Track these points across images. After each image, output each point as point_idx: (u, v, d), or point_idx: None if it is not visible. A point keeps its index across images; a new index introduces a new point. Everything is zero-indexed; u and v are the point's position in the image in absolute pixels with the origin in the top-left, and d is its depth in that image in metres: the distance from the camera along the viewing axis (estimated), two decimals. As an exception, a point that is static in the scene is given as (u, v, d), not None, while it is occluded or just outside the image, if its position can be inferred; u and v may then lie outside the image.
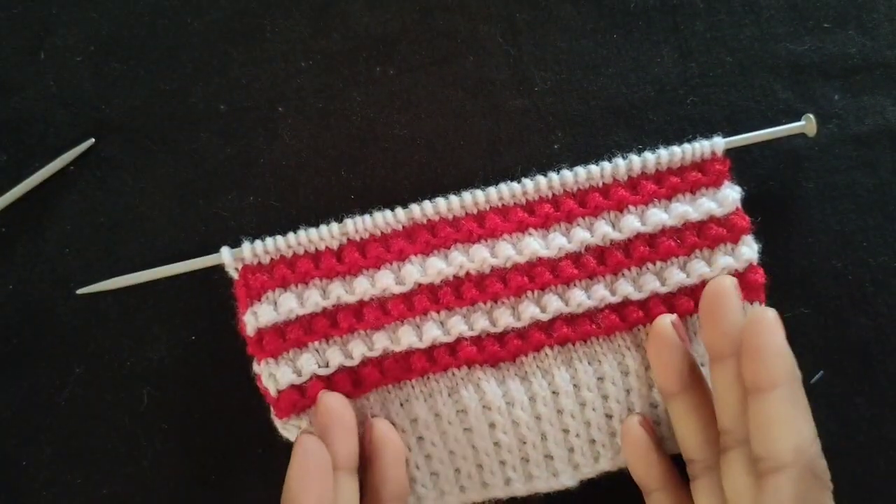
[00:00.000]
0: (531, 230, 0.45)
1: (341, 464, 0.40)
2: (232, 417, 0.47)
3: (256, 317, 0.43)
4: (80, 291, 0.45)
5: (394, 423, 0.44)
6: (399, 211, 0.44)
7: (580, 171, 0.45)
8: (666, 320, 0.42)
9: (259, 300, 0.44)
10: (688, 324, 0.44)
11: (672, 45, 0.49)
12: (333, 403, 0.42)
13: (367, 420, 0.43)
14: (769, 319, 0.37)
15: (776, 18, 0.49)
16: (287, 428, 0.44)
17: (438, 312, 0.44)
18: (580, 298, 0.44)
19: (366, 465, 0.42)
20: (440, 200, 0.44)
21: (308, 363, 0.43)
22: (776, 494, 0.36)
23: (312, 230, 0.44)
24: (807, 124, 0.45)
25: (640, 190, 0.44)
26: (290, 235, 0.44)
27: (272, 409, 0.44)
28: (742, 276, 0.43)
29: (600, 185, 0.45)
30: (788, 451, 0.36)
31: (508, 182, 0.45)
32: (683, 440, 0.42)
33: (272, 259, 0.44)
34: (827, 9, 0.49)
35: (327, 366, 0.44)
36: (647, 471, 0.43)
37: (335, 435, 0.41)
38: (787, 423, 0.36)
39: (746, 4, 0.49)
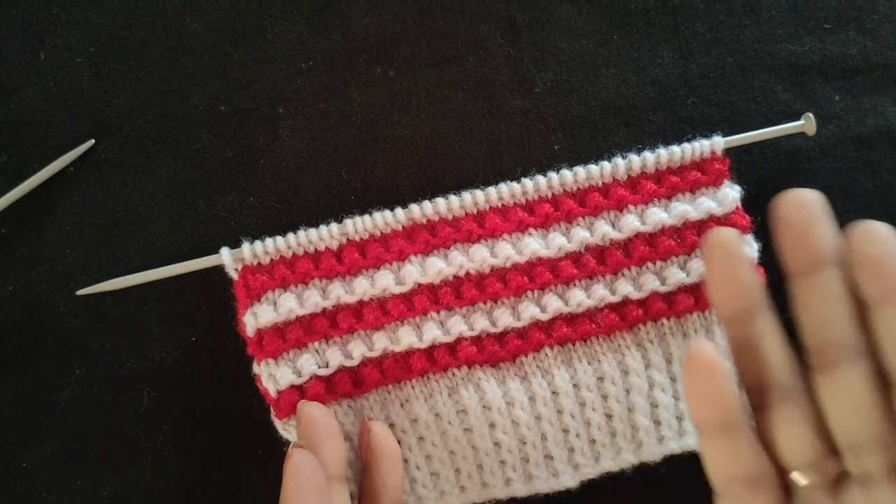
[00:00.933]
0: (531, 230, 0.45)
1: (331, 473, 0.40)
2: (232, 418, 0.47)
3: (256, 317, 0.43)
4: (80, 292, 0.45)
5: (393, 424, 0.45)
6: (399, 211, 0.44)
7: (580, 170, 0.45)
8: (727, 232, 0.36)
9: (259, 301, 0.44)
10: (688, 322, 0.44)
11: (672, 46, 0.49)
12: (315, 413, 0.41)
13: (365, 424, 0.43)
14: (881, 230, 0.34)
15: (776, 19, 0.49)
16: (287, 428, 0.44)
17: (438, 312, 0.44)
18: (580, 298, 0.44)
19: (363, 470, 0.42)
20: (440, 200, 0.44)
21: (308, 364, 0.44)
22: None
23: (312, 230, 0.44)
24: (806, 123, 0.45)
25: (640, 189, 0.45)
26: (290, 236, 0.44)
27: (272, 409, 0.44)
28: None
29: (600, 184, 0.45)
30: None
31: (508, 182, 0.45)
32: (769, 363, 0.35)
33: (272, 259, 0.44)
34: (827, 10, 0.49)
35: (327, 366, 0.44)
36: (713, 404, 0.35)
37: (322, 444, 0.40)
38: None
39: (747, 5, 0.49)
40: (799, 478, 0.34)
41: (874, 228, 0.34)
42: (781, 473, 0.35)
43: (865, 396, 0.33)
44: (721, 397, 0.34)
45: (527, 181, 0.45)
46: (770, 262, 0.44)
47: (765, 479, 0.35)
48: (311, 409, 0.41)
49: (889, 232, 0.34)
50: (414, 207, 0.44)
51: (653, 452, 0.44)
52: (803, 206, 0.35)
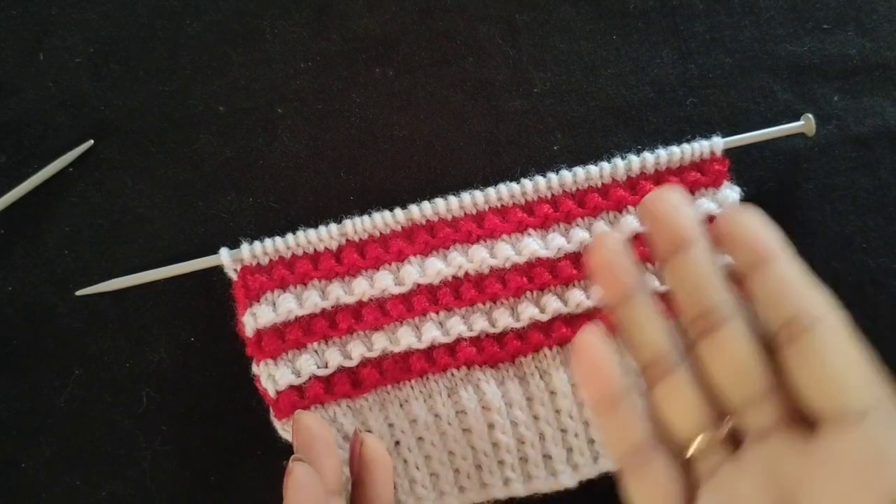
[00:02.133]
0: (530, 231, 0.45)
1: (329, 488, 0.39)
2: (232, 418, 0.47)
3: (255, 318, 0.43)
4: (79, 293, 0.45)
5: (392, 424, 0.44)
6: (398, 212, 0.44)
7: (579, 171, 0.45)
8: (613, 233, 0.40)
9: (258, 301, 0.44)
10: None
11: (671, 46, 0.49)
12: (312, 423, 0.41)
13: (357, 435, 0.42)
14: (738, 210, 0.36)
15: (776, 19, 0.49)
16: (287, 429, 0.44)
17: (437, 313, 0.44)
18: (579, 299, 0.44)
19: (354, 482, 0.42)
20: (439, 201, 0.44)
21: (307, 364, 0.43)
22: (818, 341, 0.32)
23: (311, 231, 0.44)
24: (806, 124, 0.45)
25: (640, 190, 0.45)
26: (289, 236, 0.44)
27: (271, 410, 0.44)
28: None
29: (599, 185, 0.45)
30: (820, 304, 0.33)
31: (507, 182, 0.45)
32: (649, 339, 0.37)
33: (271, 260, 0.44)
34: (826, 10, 0.49)
35: (326, 366, 0.44)
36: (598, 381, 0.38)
37: (320, 458, 0.40)
38: (807, 283, 0.34)
39: (746, 5, 0.49)
40: (690, 447, 0.35)
41: (737, 210, 0.36)
42: (680, 445, 0.36)
43: (748, 352, 0.34)
44: (603, 376, 0.36)
45: (526, 182, 0.45)
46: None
47: (658, 450, 0.36)
48: (308, 421, 0.41)
49: (748, 212, 0.36)
50: (413, 208, 0.44)
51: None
52: (664, 199, 0.36)
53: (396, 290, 0.44)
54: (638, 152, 0.45)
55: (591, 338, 0.37)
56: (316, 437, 0.40)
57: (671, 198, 0.36)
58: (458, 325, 0.44)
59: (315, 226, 0.45)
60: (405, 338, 0.44)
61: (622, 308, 0.37)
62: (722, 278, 0.35)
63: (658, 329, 0.36)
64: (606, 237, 0.37)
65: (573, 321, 0.44)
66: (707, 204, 0.44)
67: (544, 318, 0.44)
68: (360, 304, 0.44)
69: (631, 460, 0.36)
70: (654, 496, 0.36)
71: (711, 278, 0.35)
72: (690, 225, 0.36)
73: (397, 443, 0.45)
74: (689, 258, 0.36)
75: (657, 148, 0.45)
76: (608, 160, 0.45)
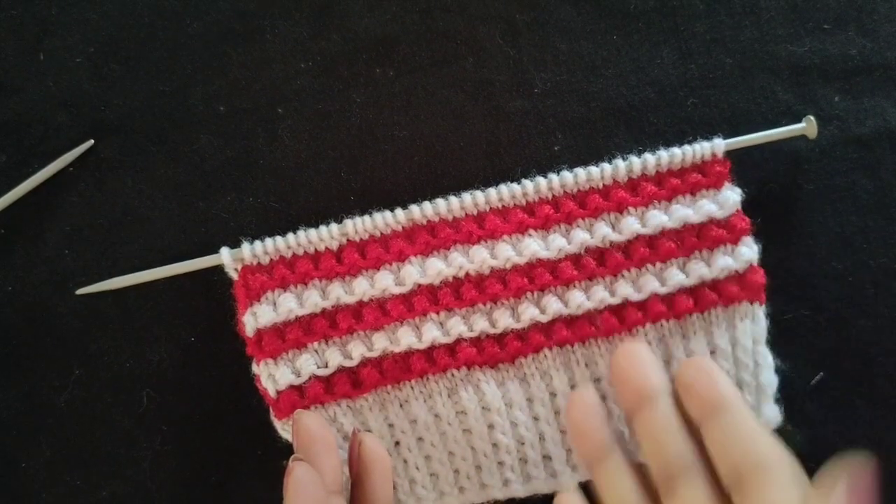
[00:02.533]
0: (531, 231, 0.44)
1: (330, 488, 0.39)
2: (232, 418, 0.47)
3: (256, 317, 0.43)
4: (79, 292, 0.45)
5: (392, 424, 0.44)
6: (398, 212, 0.44)
7: (580, 172, 0.45)
8: (588, 392, 0.42)
9: (258, 301, 0.44)
10: (687, 323, 0.44)
11: (672, 47, 0.49)
12: (312, 425, 0.41)
13: (356, 435, 0.42)
14: (699, 362, 0.41)
15: (776, 20, 0.49)
16: (287, 429, 0.44)
17: (438, 313, 0.44)
18: (579, 300, 0.44)
19: (353, 482, 0.42)
20: (440, 201, 0.44)
21: (307, 364, 0.43)
22: (773, 488, 0.35)
23: (312, 231, 0.44)
24: (807, 126, 0.45)
25: (641, 191, 0.44)
26: (290, 236, 0.44)
27: (271, 409, 0.44)
28: (742, 277, 0.43)
29: (600, 186, 0.45)
30: (772, 451, 0.36)
31: (508, 183, 0.45)
32: (627, 495, 0.40)
33: (272, 260, 0.44)
34: (827, 10, 0.49)
35: (326, 366, 0.44)
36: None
37: (320, 458, 0.40)
38: (760, 430, 0.37)
39: (746, 6, 0.49)
40: None
41: (695, 360, 0.41)
42: None
43: (708, 499, 0.37)
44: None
45: (527, 182, 0.45)
46: (770, 264, 0.44)
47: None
48: (308, 421, 0.41)
49: (705, 363, 0.41)
50: (414, 208, 0.44)
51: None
52: (628, 356, 0.41)
53: (397, 291, 0.44)
54: (639, 153, 0.45)
55: (585, 396, 0.41)
56: (316, 436, 0.40)
57: (637, 356, 0.41)
58: (458, 326, 0.44)
59: (316, 226, 0.44)
60: (405, 338, 0.44)
61: (596, 467, 0.41)
62: (683, 431, 0.38)
63: (629, 487, 0.39)
64: (582, 396, 0.41)
65: (574, 322, 0.44)
66: (708, 205, 0.44)
67: (544, 318, 0.44)
68: (361, 303, 0.44)
69: None
70: None
71: (672, 432, 0.39)
72: (653, 382, 0.40)
73: (397, 443, 0.45)
74: (651, 414, 0.39)
75: (658, 149, 0.45)
76: (609, 161, 0.45)
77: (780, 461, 0.36)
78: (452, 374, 0.44)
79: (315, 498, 0.38)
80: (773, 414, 0.44)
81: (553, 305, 0.44)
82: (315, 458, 0.40)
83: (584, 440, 0.41)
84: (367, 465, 0.41)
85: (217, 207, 0.48)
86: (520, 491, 0.44)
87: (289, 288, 0.44)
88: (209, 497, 0.47)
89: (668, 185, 0.44)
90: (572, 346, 0.44)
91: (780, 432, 0.43)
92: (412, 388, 0.44)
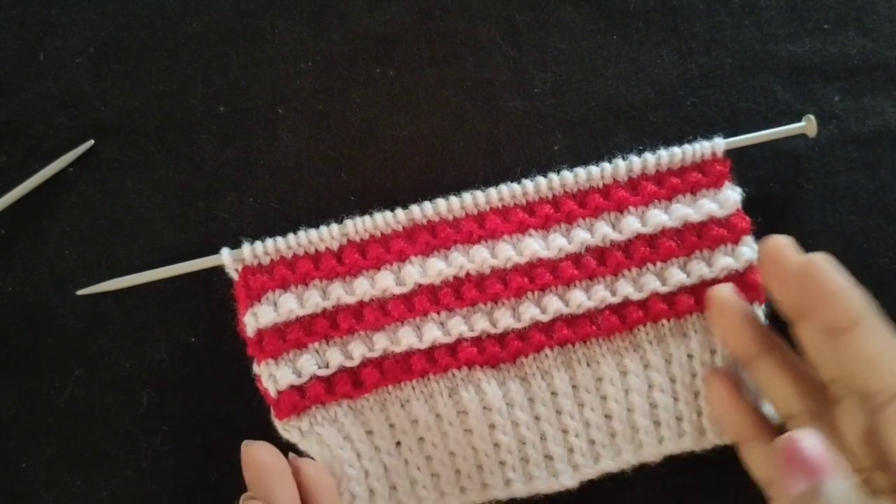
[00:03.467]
0: (531, 231, 0.45)
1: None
2: (232, 418, 0.47)
3: (256, 317, 0.43)
4: (79, 292, 0.45)
5: (393, 425, 0.44)
6: (399, 212, 0.44)
7: (580, 171, 0.45)
8: (725, 288, 0.42)
9: (259, 301, 0.44)
10: (687, 322, 0.44)
11: (672, 47, 0.49)
12: (262, 454, 0.40)
13: (293, 463, 0.41)
14: (820, 264, 0.37)
15: (776, 20, 0.49)
16: (287, 429, 0.44)
17: (438, 313, 0.44)
18: (580, 299, 0.44)
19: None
20: (440, 201, 0.44)
21: (308, 364, 0.43)
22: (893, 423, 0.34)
23: (312, 231, 0.44)
24: (807, 125, 0.45)
25: (641, 191, 0.44)
26: (290, 236, 0.44)
27: (272, 410, 0.44)
28: (742, 277, 0.43)
29: (600, 185, 0.45)
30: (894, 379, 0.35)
31: (508, 183, 0.45)
32: (780, 398, 0.40)
33: (272, 260, 0.44)
34: (827, 10, 0.49)
35: (327, 366, 0.44)
36: (738, 419, 0.42)
37: (274, 490, 0.39)
38: (882, 354, 0.35)
39: (746, 5, 0.49)
40: None
41: (811, 262, 0.38)
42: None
43: (863, 425, 0.36)
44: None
45: (527, 182, 0.45)
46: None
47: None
48: (257, 452, 0.40)
49: (825, 264, 0.37)
50: (414, 208, 0.44)
51: (652, 453, 0.44)
52: (777, 253, 0.39)
53: (397, 290, 0.44)
54: (639, 153, 0.45)
55: (728, 294, 0.41)
56: (266, 468, 0.40)
57: (790, 255, 0.38)
58: (459, 326, 0.44)
59: (316, 226, 0.44)
60: (406, 338, 0.44)
61: (754, 364, 0.41)
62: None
63: (790, 382, 0.40)
64: (725, 296, 0.41)
65: (574, 322, 0.44)
66: (708, 204, 0.44)
67: (545, 318, 0.44)
68: (362, 304, 0.44)
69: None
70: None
71: (828, 350, 0.37)
72: (858, 302, 0.37)
73: (398, 443, 0.45)
74: (808, 326, 0.38)
75: (658, 148, 0.45)
76: (609, 160, 0.45)
77: None
78: (453, 374, 0.44)
79: None
80: (771, 413, 0.44)
81: (553, 305, 0.44)
82: (269, 491, 0.39)
83: (736, 340, 0.41)
84: (311, 492, 0.41)
85: (217, 208, 0.48)
86: (521, 491, 0.44)
87: (289, 288, 0.44)
88: (208, 497, 0.47)
89: (669, 185, 0.44)
90: (573, 345, 0.44)
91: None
92: (413, 388, 0.44)
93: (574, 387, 0.44)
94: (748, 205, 0.45)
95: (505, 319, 0.44)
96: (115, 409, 0.47)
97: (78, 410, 0.47)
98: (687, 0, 0.49)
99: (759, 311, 0.44)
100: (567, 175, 0.45)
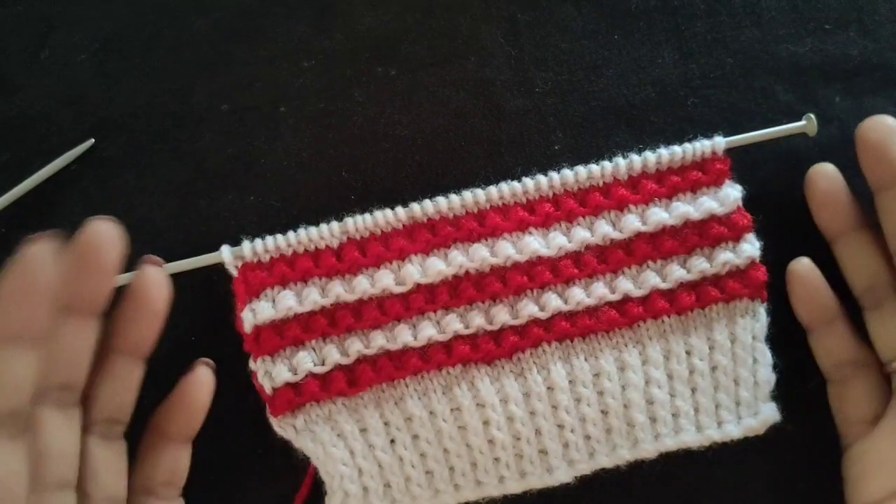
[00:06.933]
0: (531, 229, 0.44)
1: (86, 308, 0.36)
2: (231, 418, 0.46)
3: (254, 314, 0.43)
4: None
5: (388, 422, 0.44)
6: (399, 209, 0.44)
7: (581, 170, 0.45)
8: (826, 166, 0.44)
9: (258, 297, 0.44)
10: (688, 319, 0.44)
11: (673, 46, 0.49)
12: (103, 231, 0.37)
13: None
14: None
15: (777, 20, 0.49)
16: (282, 426, 0.44)
17: (435, 312, 0.44)
18: (580, 297, 0.43)
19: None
20: (440, 199, 0.44)
21: (304, 361, 0.43)
22: None
23: (313, 229, 0.44)
24: (807, 124, 0.45)
25: (641, 189, 0.44)
26: (291, 234, 0.44)
27: (267, 406, 0.44)
28: (744, 273, 0.43)
29: (601, 184, 0.45)
30: None
31: (509, 181, 0.45)
32: (859, 272, 0.44)
33: (272, 257, 0.44)
34: (828, 10, 0.49)
35: (323, 364, 0.44)
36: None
37: (89, 275, 0.36)
38: None
39: (747, 6, 0.49)
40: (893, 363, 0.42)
41: None
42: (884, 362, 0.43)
43: None
44: (820, 299, 0.44)
45: (528, 180, 0.45)
46: (771, 263, 0.44)
47: (866, 363, 0.43)
48: (101, 227, 0.37)
49: None
50: (414, 206, 0.44)
51: (648, 449, 0.44)
52: (880, 128, 0.42)
53: (397, 290, 0.44)
54: (639, 152, 0.45)
55: (805, 266, 0.44)
56: (100, 249, 0.36)
57: (888, 128, 0.41)
58: (454, 323, 0.43)
59: (317, 224, 0.44)
60: (401, 336, 0.43)
61: (839, 240, 0.44)
62: None
63: (873, 258, 0.43)
64: (825, 171, 0.44)
65: (573, 316, 0.44)
66: (708, 203, 0.44)
67: (544, 316, 0.44)
68: (360, 302, 0.44)
69: (844, 371, 0.44)
70: (854, 402, 0.43)
71: None
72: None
73: (392, 441, 0.44)
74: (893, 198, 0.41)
75: (659, 147, 0.45)
76: (609, 160, 0.45)
77: None
78: (448, 372, 0.44)
79: (38, 290, 0.32)
80: (771, 412, 0.44)
81: (553, 303, 0.43)
82: (83, 272, 0.36)
83: (828, 212, 0.44)
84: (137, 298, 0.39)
85: (218, 206, 0.48)
86: (515, 488, 0.44)
87: (288, 285, 0.44)
88: (208, 497, 0.47)
89: (669, 183, 0.44)
90: (572, 340, 0.44)
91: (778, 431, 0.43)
92: (407, 385, 0.44)
93: (571, 382, 0.44)
94: (748, 205, 0.44)
95: (501, 316, 0.44)
96: (115, 407, 0.47)
97: (77, 408, 0.47)
98: (688, 0, 0.49)
99: (762, 311, 0.44)
100: (567, 173, 0.45)
